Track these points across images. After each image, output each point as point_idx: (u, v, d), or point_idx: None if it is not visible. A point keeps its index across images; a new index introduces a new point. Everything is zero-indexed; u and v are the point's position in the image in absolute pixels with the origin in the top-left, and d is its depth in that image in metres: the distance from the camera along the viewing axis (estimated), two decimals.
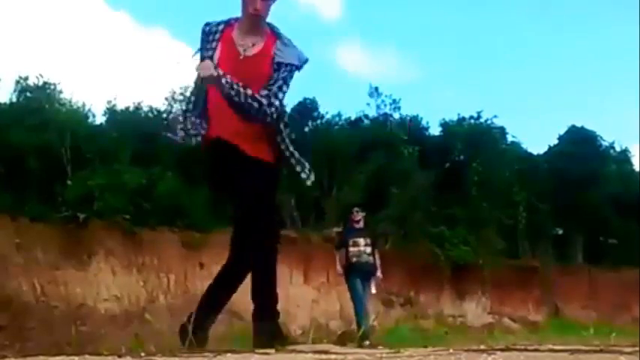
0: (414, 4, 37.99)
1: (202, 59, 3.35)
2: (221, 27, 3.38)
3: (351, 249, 8.38)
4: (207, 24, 3.41)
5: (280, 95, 3.30)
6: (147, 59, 33.92)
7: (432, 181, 21.35)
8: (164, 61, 34.47)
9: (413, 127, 23.54)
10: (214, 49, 3.33)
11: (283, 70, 3.31)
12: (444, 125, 24.38)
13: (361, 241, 8.36)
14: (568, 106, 37.48)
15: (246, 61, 3.30)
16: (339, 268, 8.66)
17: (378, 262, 8.61)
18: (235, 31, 3.36)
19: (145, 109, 21.84)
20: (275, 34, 3.38)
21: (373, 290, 8.52)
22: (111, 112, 21.48)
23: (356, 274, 8.36)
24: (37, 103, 19.90)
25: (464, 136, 23.53)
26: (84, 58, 31.89)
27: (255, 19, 3.32)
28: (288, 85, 3.33)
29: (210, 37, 3.37)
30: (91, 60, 31.86)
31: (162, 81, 40.40)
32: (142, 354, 2.56)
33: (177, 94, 22.00)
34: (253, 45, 3.34)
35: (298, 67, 3.37)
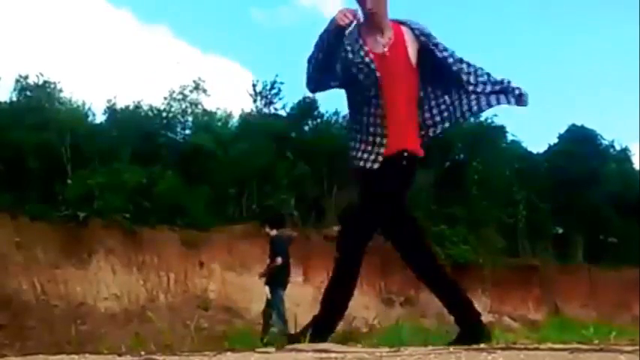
0: (415, 4, 37.95)
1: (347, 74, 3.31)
2: (358, 33, 3.31)
3: (278, 258, 9.09)
4: (344, 28, 3.28)
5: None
6: (148, 58, 33.94)
7: (432, 180, 21.34)
8: (165, 59, 34.48)
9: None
10: (368, 57, 3.28)
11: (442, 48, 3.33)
12: None
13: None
14: (568, 105, 37.53)
15: (388, 57, 3.29)
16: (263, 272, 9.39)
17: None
18: (365, 36, 3.33)
19: (145, 107, 21.86)
20: (398, 22, 3.38)
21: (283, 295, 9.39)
22: (111, 111, 21.49)
23: (279, 279, 9.09)
24: (37, 102, 19.93)
25: (464, 135, 23.51)
26: (84, 57, 31.92)
27: (372, 18, 3.32)
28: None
29: (352, 43, 3.30)
30: (91, 59, 31.88)
31: (163, 80, 40.42)
32: (142, 353, 2.56)
33: (177, 93, 22.01)
34: (385, 39, 3.33)
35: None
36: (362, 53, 3.28)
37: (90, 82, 32.08)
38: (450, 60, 3.31)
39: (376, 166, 3.23)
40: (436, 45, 3.32)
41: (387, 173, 3.25)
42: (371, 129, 3.27)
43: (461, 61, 3.34)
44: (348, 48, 3.29)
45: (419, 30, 3.35)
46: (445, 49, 3.33)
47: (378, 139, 3.25)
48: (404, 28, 3.36)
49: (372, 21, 3.33)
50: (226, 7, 36.92)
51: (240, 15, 37.42)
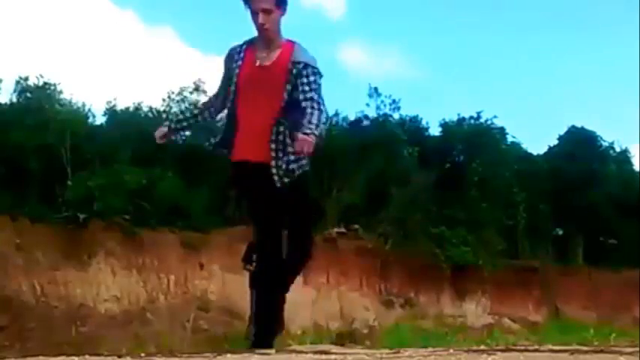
0: (416, 5, 38.02)
1: (224, 80, 3.75)
2: (244, 46, 3.69)
3: (255, 263, 9.16)
4: (232, 48, 3.72)
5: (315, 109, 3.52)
6: (148, 59, 33.94)
7: (431, 181, 21.33)
8: (166, 61, 34.47)
9: (413, 128, 23.53)
10: (238, 67, 3.64)
11: (306, 71, 3.55)
12: (444, 125, 24.36)
13: None
14: (568, 107, 37.50)
15: (261, 71, 3.59)
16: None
17: None
18: (256, 49, 3.67)
19: (145, 109, 21.84)
20: (292, 44, 3.65)
21: None
22: (111, 112, 21.47)
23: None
24: (37, 104, 19.89)
25: (464, 137, 23.51)
26: (84, 59, 31.92)
27: (263, 33, 3.59)
28: (314, 86, 3.54)
29: (235, 56, 3.68)
30: (91, 60, 31.89)
31: (164, 81, 40.42)
32: (142, 354, 2.56)
33: (176, 94, 21.99)
34: (269, 55, 3.62)
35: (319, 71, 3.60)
36: (236, 63, 3.65)
37: (90, 83, 32.09)
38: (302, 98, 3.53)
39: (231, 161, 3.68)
40: (302, 81, 3.53)
41: (236, 176, 3.72)
42: (227, 132, 3.74)
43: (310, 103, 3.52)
44: (233, 53, 3.69)
45: (299, 61, 3.56)
46: (306, 88, 3.53)
47: (229, 142, 3.70)
48: (293, 51, 3.61)
49: (263, 36, 3.61)
50: (227, 7, 36.93)
51: (242, 16, 37.35)
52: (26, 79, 20.38)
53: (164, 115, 21.95)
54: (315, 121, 3.40)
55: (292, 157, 3.53)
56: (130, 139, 19.94)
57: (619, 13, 36.93)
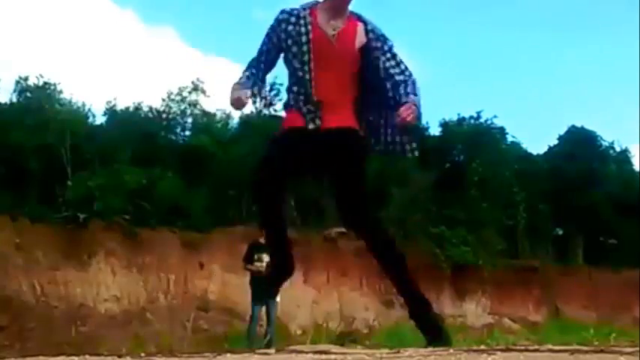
0: (416, 5, 38.03)
1: (284, 47, 3.32)
2: (307, 10, 3.31)
3: (256, 264, 9.25)
4: (283, 11, 3.34)
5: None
6: (148, 59, 33.94)
7: (431, 181, 21.34)
8: (166, 61, 34.46)
9: (412, 127, 23.52)
10: (308, 39, 3.26)
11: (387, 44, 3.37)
12: (444, 125, 24.38)
13: (264, 256, 8.87)
14: (568, 106, 37.51)
15: (336, 45, 3.29)
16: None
17: None
18: (319, 15, 3.31)
19: (145, 109, 21.87)
20: (355, 15, 3.38)
21: (278, 299, 9.38)
22: (111, 112, 21.50)
23: (258, 287, 9.18)
24: (37, 104, 19.92)
25: (464, 137, 23.53)
26: (84, 58, 31.92)
27: (342, 1, 3.31)
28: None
29: (301, 21, 3.28)
30: (91, 60, 31.88)
31: (164, 81, 40.42)
32: (142, 354, 2.57)
33: (175, 94, 22.01)
34: (340, 23, 3.32)
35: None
36: (306, 27, 3.26)
37: (90, 83, 32.10)
38: (391, 70, 3.35)
39: (312, 126, 3.33)
40: (384, 49, 3.35)
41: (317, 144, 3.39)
42: (309, 106, 3.32)
43: (402, 72, 3.37)
44: (292, 19, 3.28)
45: (372, 27, 3.37)
46: (391, 56, 3.36)
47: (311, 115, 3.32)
48: (359, 23, 3.35)
49: (338, 3, 3.30)
50: (228, 7, 36.94)
51: (242, 15, 37.40)
52: (26, 79, 20.44)
53: (164, 115, 22.01)
54: (410, 90, 3.30)
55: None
56: (130, 139, 19.96)
57: (619, 13, 36.97)
